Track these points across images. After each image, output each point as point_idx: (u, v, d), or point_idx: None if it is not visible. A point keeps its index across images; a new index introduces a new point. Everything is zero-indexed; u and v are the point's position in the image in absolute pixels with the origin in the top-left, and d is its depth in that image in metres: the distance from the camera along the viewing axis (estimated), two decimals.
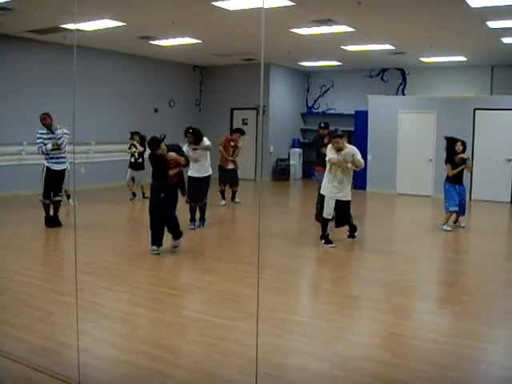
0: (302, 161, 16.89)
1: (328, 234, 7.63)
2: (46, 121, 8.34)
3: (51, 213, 8.55)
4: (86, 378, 3.44)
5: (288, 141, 16.83)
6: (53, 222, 8.54)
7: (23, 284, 5.56)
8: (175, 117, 15.80)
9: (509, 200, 12.27)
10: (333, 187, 7.47)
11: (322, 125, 9.46)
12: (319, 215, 9.34)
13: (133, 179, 11.69)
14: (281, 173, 16.29)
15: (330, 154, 7.41)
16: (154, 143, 6.68)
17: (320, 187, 9.29)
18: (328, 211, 7.53)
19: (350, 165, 7.35)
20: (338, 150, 7.34)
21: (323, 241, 7.61)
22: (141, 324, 4.59)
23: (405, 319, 4.87)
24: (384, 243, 7.93)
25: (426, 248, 7.95)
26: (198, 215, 8.67)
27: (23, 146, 11.65)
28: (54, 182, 8.50)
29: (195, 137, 8.46)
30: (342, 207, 7.54)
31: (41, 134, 8.34)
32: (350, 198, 7.58)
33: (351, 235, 7.93)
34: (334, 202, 7.47)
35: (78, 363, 3.52)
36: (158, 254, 6.80)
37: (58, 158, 8.45)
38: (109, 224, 8.89)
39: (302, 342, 4.23)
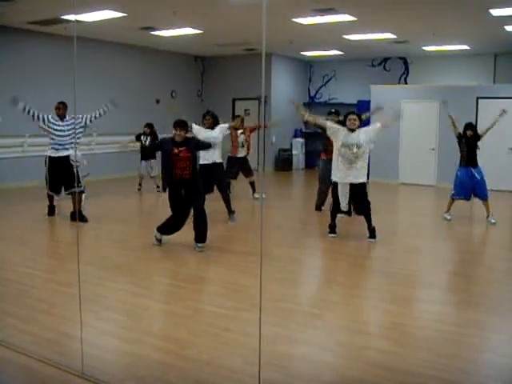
0: (304, 151, 16.85)
1: (335, 225, 7.52)
2: (60, 111, 8.24)
3: (73, 208, 8.17)
4: (89, 368, 3.45)
5: (290, 131, 16.78)
6: (74, 217, 8.17)
7: (26, 275, 5.57)
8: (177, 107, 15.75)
9: None
10: (344, 169, 7.11)
11: (333, 110, 9.36)
12: (320, 205, 9.37)
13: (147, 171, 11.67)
14: (283, 163, 16.27)
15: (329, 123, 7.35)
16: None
17: (320, 176, 9.29)
18: (343, 201, 7.19)
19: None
20: (352, 130, 7.14)
21: (329, 230, 7.54)
22: (144, 315, 4.60)
23: (408, 309, 4.87)
24: (387, 233, 7.91)
25: (430, 238, 7.94)
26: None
27: (25, 138, 11.65)
28: (57, 171, 8.17)
29: (213, 120, 8.45)
30: (356, 190, 7.17)
31: (50, 118, 8.21)
32: (363, 181, 7.18)
33: (371, 235, 7.32)
34: (348, 187, 7.13)
35: (82, 354, 3.53)
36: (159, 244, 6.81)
37: (59, 144, 8.17)
38: (112, 215, 8.89)
39: (306, 332, 4.24)
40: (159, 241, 6.84)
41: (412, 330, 4.32)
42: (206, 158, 8.43)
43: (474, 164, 8.69)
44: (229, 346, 3.94)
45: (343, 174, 7.14)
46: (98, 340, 4.01)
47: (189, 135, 6.94)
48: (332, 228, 7.54)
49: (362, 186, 7.22)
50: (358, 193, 7.20)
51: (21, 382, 3.50)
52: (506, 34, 11.06)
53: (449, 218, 8.77)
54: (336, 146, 7.21)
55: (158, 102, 15.19)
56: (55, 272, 5.79)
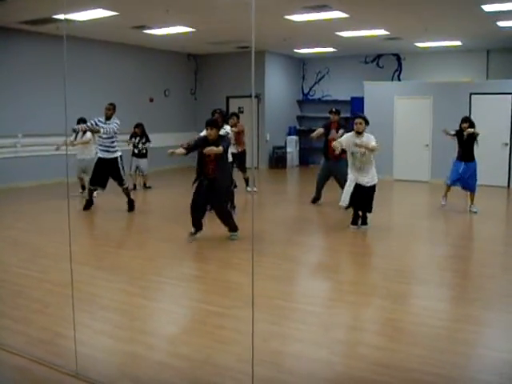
0: (298, 148, 16.86)
1: (357, 217, 7.81)
2: (109, 111, 8.73)
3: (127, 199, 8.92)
4: (83, 368, 3.45)
5: (284, 128, 16.78)
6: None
7: (20, 276, 5.56)
8: (170, 106, 15.76)
9: (506, 184, 12.27)
10: (354, 172, 7.60)
11: (333, 109, 9.59)
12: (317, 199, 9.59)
13: (137, 169, 11.64)
14: (277, 160, 16.26)
15: (341, 139, 7.64)
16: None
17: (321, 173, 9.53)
18: (345, 197, 7.60)
19: (362, 150, 7.43)
20: (358, 133, 7.50)
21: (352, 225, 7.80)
22: (138, 314, 4.59)
23: (403, 305, 4.88)
24: (382, 229, 7.92)
25: (424, 233, 7.96)
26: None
27: (18, 138, 11.60)
28: (100, 169, 8.74)
29: (223, 118, 8.52)
30: (365, 192, 7.58)
31: (96, 120, 8.74)
32: (373, 183, 7.63)
33: (364, 222, 7.88)
34: (353, 186, 7.55)
35: (76, 354, 3.52)
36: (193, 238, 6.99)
37: (105, 146, 8.73)
38: (106, 214, 8.87)
39: (300, 329, 4.24)
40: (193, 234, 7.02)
41: (407, 325, 4.33)
42: None
43: (467, 159, 8.93)
44: (222, 343, 3.94)
45: (355, 176, 7.58)
46: (92, 340, 4.00)
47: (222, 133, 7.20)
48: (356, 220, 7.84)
49: (372, 188, 7.65)
50: (368, 194, 7.61)
51: (15, 382, 3.49)
52: (498, 30, 11.06)
53: (443, 203, 9.16)
54: (349, 151, 7.60)
55: (151, 100, 15.17)
56: (49, 272, 5.76)
